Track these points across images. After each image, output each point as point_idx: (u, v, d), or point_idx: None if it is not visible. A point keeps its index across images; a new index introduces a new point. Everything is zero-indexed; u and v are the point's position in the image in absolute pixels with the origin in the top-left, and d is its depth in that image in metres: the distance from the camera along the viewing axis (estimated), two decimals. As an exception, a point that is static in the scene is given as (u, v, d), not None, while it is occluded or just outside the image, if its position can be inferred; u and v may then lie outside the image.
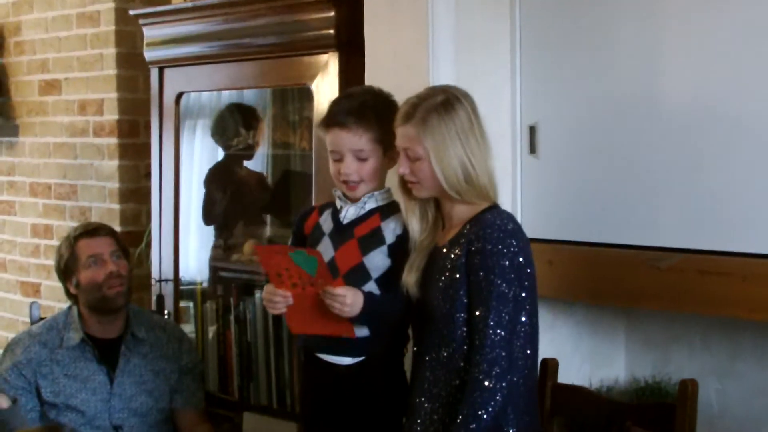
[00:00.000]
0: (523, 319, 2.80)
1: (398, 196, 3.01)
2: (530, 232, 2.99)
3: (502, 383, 2.74)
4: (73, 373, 3.74)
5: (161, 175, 4.53)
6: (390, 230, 3.04)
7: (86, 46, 5.17)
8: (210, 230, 4.72)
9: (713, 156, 3.04)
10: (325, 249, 3.05)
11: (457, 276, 2.83)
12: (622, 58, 3.24)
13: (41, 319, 4.01)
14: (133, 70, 5.02)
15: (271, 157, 4.56)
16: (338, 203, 3.11)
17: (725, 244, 3.00)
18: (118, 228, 4.84)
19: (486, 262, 2.78)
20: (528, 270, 2.83)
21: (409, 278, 2.92)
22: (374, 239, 3.03)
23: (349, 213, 3.07)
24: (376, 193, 3.06)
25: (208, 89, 4.55)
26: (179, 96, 4.49)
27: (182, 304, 4.55)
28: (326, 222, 3.12)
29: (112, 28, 5.04)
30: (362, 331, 2.97)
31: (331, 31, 3.78)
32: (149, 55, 4.54)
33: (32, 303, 4.24)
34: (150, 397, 3.80)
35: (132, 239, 4.85)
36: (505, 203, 3.13)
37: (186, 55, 4.39)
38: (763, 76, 2.94)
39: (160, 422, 3.84)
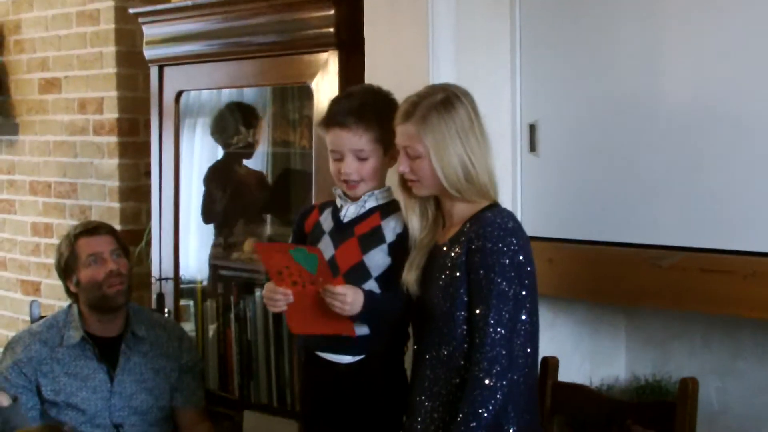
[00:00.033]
0: (524, 317, 2.80)
1: (398, 195, 3.01)
2: (530, 230, 2.99)
3: (503, 381, 2.75)
4: (73, 371, 3.74)
5: (161, 173, 4.53)
6: (390, 229, 3.04)
7: (86, 45, 5.17)
8: (210, 228, 4.72)
9: (714, 154, 3.04)
10: (326, 247, 3.05)
11: (458, 274, 2.83)
12: (622, 57, 3.24)
13: (41, 317, 4.01)
14: (133, 69, 5.02)
15: (271, 155, 4.56)
16: (338, 202, 3.11)
17: (726, 243, 3.00)
18: (118, 226, 4.84)
19: (486, 261, 2.78)
20: (528, 268, 2.83)
21: (409, 276, 2.92)
22: (374, 238, 3.03)
23: (349, 211, 3.07)
24: (376, 191, 3.06)
25: (207, 88, 4.55)
26: (179, 94, 4.48)
27: (182, 302, 4.55)
28: (326, 220, 3.12)
29: (112, 26, 5.03)
30: (362, 330, 2.97)
31: (331, 30, 3.77)
32: (149, 53, 4.54)
33: (32, 301, 4.24)
34: (150, 396, 3.80)
35: (132, 238, 4.85)
36: (506, 201, 3.12)
37: (186, 54, 4.39)
38: (763, 76, 2.94)
39: (160, 420, 3.85)
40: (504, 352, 2.76)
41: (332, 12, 3.76)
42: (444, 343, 2.86)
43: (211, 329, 4.47)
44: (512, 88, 3.49)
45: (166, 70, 4.50)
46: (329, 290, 2.86)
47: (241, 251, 4.52)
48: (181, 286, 4.54)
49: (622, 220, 3.24)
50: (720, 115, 3.02)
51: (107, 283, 3.72)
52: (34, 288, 5.53)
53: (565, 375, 3.34)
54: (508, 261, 2.78)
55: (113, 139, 5.05)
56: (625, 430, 3.13)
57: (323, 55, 3.82)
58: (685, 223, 3.10)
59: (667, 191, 3.14)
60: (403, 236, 3.01)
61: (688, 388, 2.96)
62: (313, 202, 3.74)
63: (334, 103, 3.09)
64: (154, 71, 4.54)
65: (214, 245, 4.67)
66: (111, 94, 5.05)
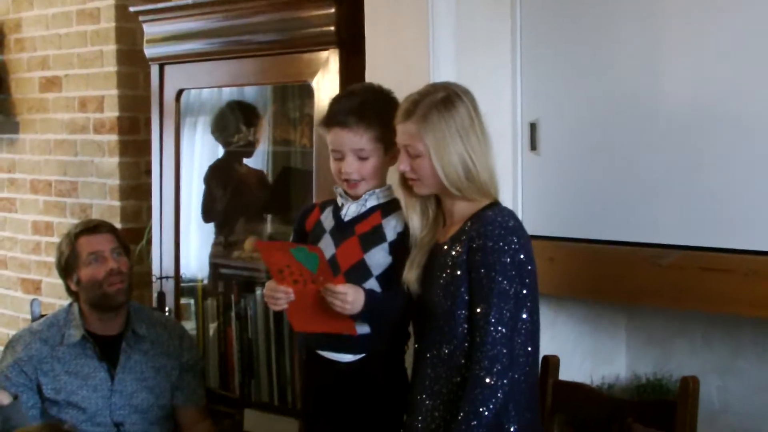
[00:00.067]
0: (524, 316, 2.80)
1: (399, 194, 3.01)
2: (531, 229, 3.00)
3: (503, 380, 2.75)
4: (74, 370, 3.74)
5: (162, 172, 4.53)
6: (391, 228, 3.04)
7: (86, 43, 5.16)
8: (210, 227, 4.72)
9: (714, 154, 3.04)
10: (327, 246, 3.05)
11: (458, 273, 2.83)
12: (623, 57, 3.24)
13: (42, 316, 4.02)
14: (134, 67, 5.01)
15: (272, 154, 4.56)
16: (339, 200, 3.11)
17: (726, 242, 3.00)
18: (118, 225, 4.84)
19: (487, 259, 2.78)
20: (529, 267, 2.83)
21: (410, 275, 2.92)
22: (375, 236, 3.03)
23: (350, 210, 3.07)
24: (377, 190, 3.06)
25: (208, 86, 4.55)
26: (179, 93, 4.48)
27: (183, 301, 4.55)
28: (327, 219, 3.12)
29: (113, 24, 5.03)
30: (363, 329, 2.97)
31: (332, 28, 3.77)
32: (149, 51, 4.54)
33: (33, 300, 4.25)
34: (151, 394, 3.80)
35: (132, 236, 4.85)
36: (506, 200, 3.12)
37: (186, 52, 4.39)
38: (763, 76, 2.94)
39: (161, 419, 3.85)
40: (505, 351, 2.76)
41: (333, 10, 3.76)
42: (445, 342, 2.86)
43: (212, 328, 4.47)
44: (513, 86, 3.49)
45: (167, 69, 4.49)
46: (330, 289, 2.86)
47: (241, 250, 4.52)
48: (182, 284, 4.54)
49: (622, 219, 3.24)
50: (720, 115, 3.02)
51: (108, 281, 3.72)
52: (35, 286, 5.53)
53: (565, 374, 3.34)
54: (509, 260, 2.78)
55: (114, 137, 5.05)
56: (626, 429, 3.12)
57: (324, 54, 3.82)
58: (686, 222, 3.10)
59: (667, 190, 3.14)
60: (404, 235, 3.01)
61: (689, 386, 2.96)
62: (314, 200, 3.74)
63: (335, 103, 3.09)
64: (154, 70, 4.53)
65: (215, 244, 4.67)
66: (111, 92, 5.05)
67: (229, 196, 4.67)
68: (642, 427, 3.10)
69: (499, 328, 2.76)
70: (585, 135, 3.34)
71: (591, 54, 3.32)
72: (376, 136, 3.00)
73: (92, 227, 3.83)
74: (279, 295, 2.94)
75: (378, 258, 3.02)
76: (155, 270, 4.54)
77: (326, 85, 3.79)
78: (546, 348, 3.10)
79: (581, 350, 3.68)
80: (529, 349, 2.83)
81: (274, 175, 4.60)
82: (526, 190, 3.48)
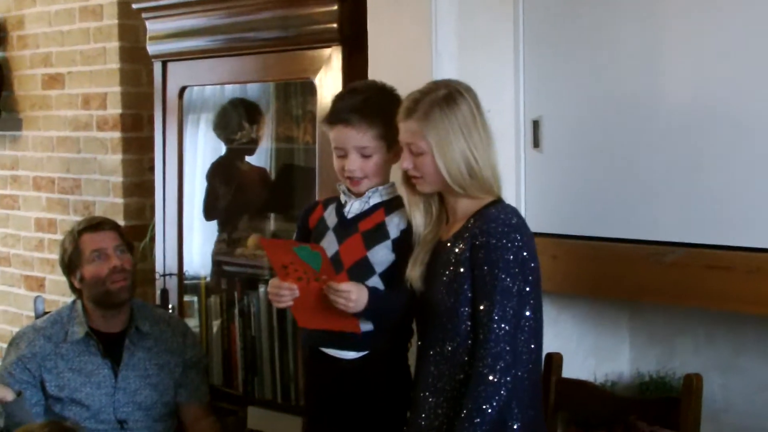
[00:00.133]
0: (528, 313, 2.80)
1: (402, 191, 3.01)
2: (534, 226, 2.99)
3: (507, 378, 2.75)
4: (77, 367, 3.74)
5: (165, 169, 4.53)
6: (394, 225, 3.04)
7: (89, 40, 5.16)
8: (213, 224, 4.72)
9: (715, 152, 3.04)
10: (330, 243, 3.05)
11: (461, 270, 2.83)
12: (623, 57, 3.24)
13: (45, 313, 4.02)
14: (136, 64, 5.01)
15: (275, 151, 4.56)
16: (342, 198, 3.11)
17: (729, 239, 3.00)
18: (121, 222, 4.84)
19: (490, 257, 2.78)
20: (532, 264, 2.83)
21: (413, 272, 2.92)
22: (378, 234, 3.03)
23: (353, 207, 3.07)
24: (380, 188, 3.06)
25: (211, 83, 4.54)
26: (182, 90, 4.48)
27: (186, 298, 4.55)
28: (330, 216, 3.12)
29: (115, 21, 5.03)
30: (366, 326, 2.97)
31: (335, 25, 3.77)
32: (152, 48, 4.54)
33: (36, 297, 4.25)
34: (154, 391, 3.80)
35: (136, 233, 4.85)
36: (509, 197, 3.12)
37: (189, 49, 4.39)
38: (763, 76, 2.94)
39: (164, 416, 3.85)
40: (508, 348, 2.76)
41: (336, 8, 3.76)
42: (448, 339, 2.86)
43: (215, 325, 4.47)
44: (515, 84, 3.49)
45: (170, 66, 4.50)
46: (333, 287, 2.85)
47: (244, 247, 4.52)
48: (185, 281, 4.54)
49: (625, 216, 3.24)
50: (720, 115, 3.02)
51: (111, 279, 3.72)
52: (38, 284, 5.54)
53: (568, 371, 3.34)
54: (512, 257, 2.78)
55: (117, 134, 5.05)
56: (629, 427, 3.13)
57: (326, 51, 3.82)
58: (688, 220, 3.10)
59: (669, 188, 3.14)
60: (407, 232, 3.01)
61: (693, 384, 2.96)
62: (317, 198, 3.75)
63: (338, 100, 3.09)
64: (157, 67, 4.54)
65: (218, 241, 4.67)
66: (114, 89, 5.05)
67: (232, 193, 4.67)
68: (645, 424, 3.10)
69: (503, 325, 2.76)
70: (588, 133, 3.34)
71: (592, 53, 3.32)
72: (379, 134, 3.00)
73: (95, 224, 3.83)
74: (283, 292, 2.93)
75: (381, 255, 3.02)
76: (158, 267, 4.55)
77: (329, 82, 3.79)
78: (549, 345, 3.10)
79: (584, 348, 3.68)
80: (532, 346, 2.83)
81: (277, 172, 4.60)
82: (529, 188, 3.48)
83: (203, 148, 4.70)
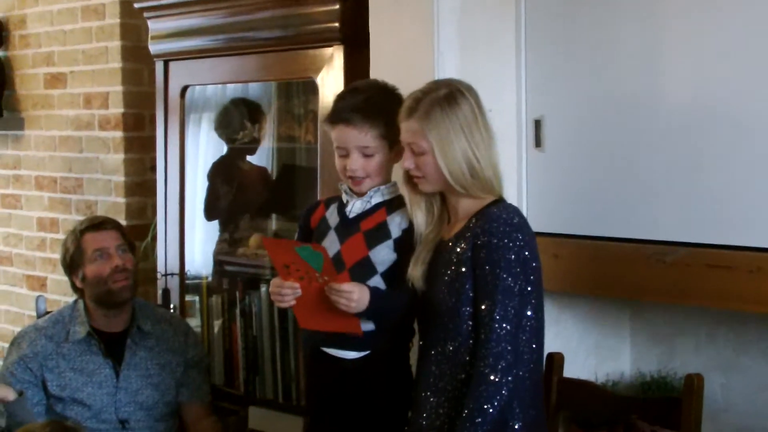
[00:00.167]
0: (529, 313, 2.80)
1: (403, 191, 3.01)
2: (535, 225, 2.99)
3: (508, 377, 2.74)
4: (79, 366, 3.75)
5: (167, 168, 4.53)
6: (396, 224, 3.04)
7: (91, 40, 5.17)
8: (215, 224, 4.73)
9: (716, 151, 3.04)
10: (331, 243, 3.05)
11: (463, 270, 2.83)
12: (624, 56, 3.24)
13: (47, 312, 4.02)
14: (138, 64, 5.02)
15: (276, 150, 4.56)
16: (344, 197, 3.10)
17: (730, 239, 3.00)
18: (123, 221, 4.85)
19: (492, 256, 2.78)
20: (534, 264, 2.83)
21: (415, 272, 2.92)
22: (380, 233, 3.03)
23: (355, 207, 3.07)
24: (382, 187, 3.06)
25: (213, 83, 4.55)
26: (184, 89, 4.49)
27: (188, 298, 4.55)
28: (332, 216, 3.12)
29: (117, 21, 5.03)
30: (368, 326, 2.97)
31: (336, 25, 3.78)
32: (154, 48, 4.54)
33: (38, 297, 4.26)
34: (156, 391, 3.80)
35: (137, 233, 4.85)
36: (511, 197, 3.12)
37: (191, 49, 4.39)
38: (763, 76, 2.94)
39: (166, 416, 3.85)
40: (509, 348, 2.75)
41: (337, 7, 3.76)
42: (449, 339, 2.86)
43: (217, 325, 4.47)
44: (517, 83, 3.49)
45: (172, 65, 4.50)
46: (334, 288, 2.85)
47: (246, 247, 4.52)
48: (187, 281, 4.54)
49: (626, 215, 3.24)
50: (720, 115, 3.02)
51: (113, 278, 3.72)
52: (40, 283, 5.54)
53: (570, 370, 3.34)
54: (513, 256, 2.78)
55: (119, 134, 5.05)
56: (630, 426, 3.13)
57: (328, 50, 3.82)
58: (690, 220, 3.10)
59: (670, 188, 3.14)
60: (409, 232, 3.01)
61: (694, 384, 2.96)
62: (319, 197, 3.75)
63: (339, 99, 3.09)
64: (159, 66, 4.54)
65: (220, 241, 4.67)
66: (116, 88, 5.05)
67: (233, 193, 4.67)
68: (646, 424, 3.11)
69: (504, 325, 2.76)
70: (589, 132, 3.34)
71: (593, 52, 3.32)
72: (381, 133, 3.00)
73: (97, 224, 3.83)
74: (286, 291, 2.92)
75: (383, 255, 3.01)
76: (160, 267, 4.55)
77: (330, 81, 3.79)
78: (550, 345, 3.10)
79: (585, 347, 3.68)
80: (534, 346, 2.82)
81: (279, 172, 4.60)
82: (531, 187, 3.48)
83: (205, 147, 4.70)
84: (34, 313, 4.33)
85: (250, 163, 4.68)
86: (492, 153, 2.89)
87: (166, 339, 3.86)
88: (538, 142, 3.46)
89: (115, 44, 5.04)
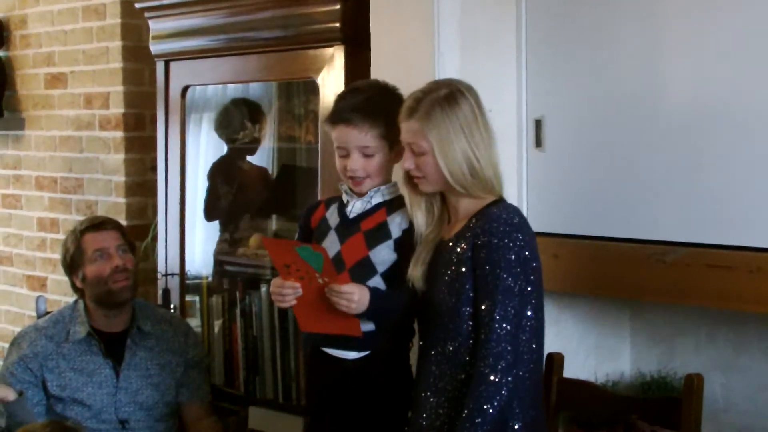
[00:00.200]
0: (529, 313, 2.80)
1: (404, 191, 3.01)
2: (536, 225, 2.99)
3: (508, 377, 2.74)
4: (79, 366, 3.75)
5: (167, 168, 4.53)
6: (396, 225, 3.04)
7: (92, 40, 5.17)
8: (216, 224, 4.73)
9: (716, 151, 3.04)
10: (332, 243, 3.05)
11: (463, 270, 2.83)
12: (624, 56, 3.24)
13: (47, 312, 4.02)
14: (139, 64, 5.02)
15: (277, 150, 4.56)
16: (344, 197, 3.10)
17: (730, 239, 3.00)
18: (123, 222, 4.85)
19: (492, 256, 2.78)
20: (534, 264, 2.83)
21: (415, 272, 2.92)
22: (380, 233, 3.03)
23: (355, 207, 3.07)
24: (382, 187, 3.06)
25: (213, 83, 4.55)
26: (185, 89, 4.49)
27: (188, 298, 4.55)
28: (332, 216, 3.12)
29: (118, 21, 5.03)
30: (368, 326, 2.97)
31: (337, 24, 3.78)
32: (155, 48, 4.54)
33: (38, 297, 4.26)
34: (156, 391, 3.80)
35: (138, 233, 4.85)
36: (511, 197, 3.13)
37: (192, 49, 4.39)
38: (763, 76, 2.94)
39: (166, 416, 3.85)
40: (509, 348, 2.75)
41: (338, 7, 3.76)
42: (449, 339, 2.86)
43: (217, 325, 4.47)
44: (518, 83, 3.49)
45: (172, 65, 4.50)
46: (334, 289, 2.85)
47: (246, 247, 4.52)
48: (187, 281, 4.54)
49: (626, 216, 3.24)
50: (720, 115, 3.02)
51: (113, 278, 3.72)
52: (40, 283, 5.54)
53: (570, 370, 3.34)
54: (513, 256, 2.78)
55: (119, 134, 5.05)
56: (630, 426, 3.13)
57: (329, 50, 3.82)
58: (689, 220, 3.10)
59: (670, 188, 3.14)
60: (409, 232, 3.01)
61: (693, 384, 2.96)
62: (319, 197, 3.75)
63: (340, 99, 3.09)
64: (160, 66, 4.54)
65: (220, 241, 4.67)
66: (117, 89, 5.05)
67: (233, 193, 4.67)
68: (646, 424, 3.11)
69: (504, 325, 2.76)
70: (589, 132, 3.34)
71: (593, 52, 3.32)
72: (381, 133, 3.00)
73: (98, 224, 3.83)
74: (286, 291, 2.92)
75: (383, 255, 3.01)
76: (160, 267, 4.55)
77: (331, 81, 3.79)
78: (550, 345, 3.10)
79: (585, 347, 3.68)
80: (534, 346, 2.82)
81: (279, 172, 4.60)
82: (531, 187, 3.48)
83: (205, 147, 4.70)
84: (34, 314, 4.33)
85: (250, 163, 4.68)
86: (492, 153, 2.89)
87: (166, 339, 3.86)
88: (538, 142, 3.46)
89: (116, 44, 5.04)
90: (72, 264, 3.78)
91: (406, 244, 3.00)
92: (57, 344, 3.76)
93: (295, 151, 4.48)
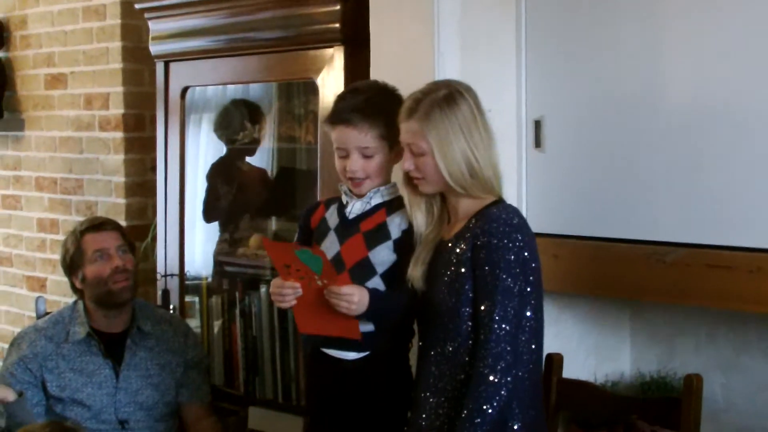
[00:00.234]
0: (528, 313, 2.80)
1: (403, 191, 3.00)
2: (535, 226, 2.99)
3: (507, 378, 2.74)
4: (78, 367, 3.75)
5: (167, 169, 4.53)
6: (395, 225, 3.03)
7: (92, 40, 5.17)
8: (215, 224, 4.72)
9: (716, 151, 3.04)
10: (331, 243, 3.05)
11: (463, 270, 2.83)
12: (624, 56, 3.24)
13: (47, 313, 4.02)
14: (139, 64, 5.02)
15: (277, 151, 4.56)
16: (344, 198, 3.10)
17: (730, 239, 3.00)
18: (123, 222, 4.85)
19: (491, 257, 2.78)
20: (533, 264, 2.83)
21: (415, 272, 2.92)
22: (380, 234, 3.03)
23: (354, 208, 3.07)
24: (381, 188, 3.06)
25: (213, 83, 4.55)
26: (185, 90, 4.49)
27: (188, 298, 4.55)
28: (332, 216, 3.12)
29: (118, 21, 5.03)
30: (367, 327, 2.97)
31: (337, 25, 3.78)
32: (155, 48, 4.54)
33: (38, 297, 4.26)
34: (156, 391, 3.80)
35: (138, 233, 4.85)
36: (511, 197, 3.13)
37: (191, 49, 4.39)
38: (763, 76, 2.94)
39: (165, 416, 3.85)
40: (509, 349, 2.75)
41: (338, 7, 3.76)
42: (449, 340, 2.86)
43: (216, 325, 4.47)
44: (517, 84, 3.49)
45: (172, 66, 4.50)
46: (334, 291, 2.85)
47: (246, 247, 4.52)
48: (187, 282, 4.54)
49: (626, 216, 3.24)
50: (720, 115, 3.02)
51: (113, 279, 3.72)
52: (40, 284, 5.54)
53: (569, 371, 3.34)
54: (513, 257, 2.78)
55: (119, 134, 5.05)
56: (630, 427, 3.13)
57: (329, 51, 3.82)
58: (689, 220, 3.10)
59: (670, 188, 3.14)
60: (409, 233, 3.01)
61: (693, 384, 2.96)
62: (319, 198, 3.75)
63: (339, 100, 3.09)
64: (159, 67, 4.54)
65: (220, 241, 4.67)
66: (117, 89, 5.05)
67: (233, 193, 4.67)
68: (646, 424, 3.11)
69: (503, 325, 2.76)
70: (589, 133, 3.34)
71: (593, 53, 3.32)
72: (381, 134, 3.00)
73: (98, 225, 3.83)
74: (287, 291, 2.92)
75: (382, 255, 3.01)
76: (160, 267, 4.55)
77: (331, 82, 3.80)
78: (550, 345, 3.10)
79: (585, 347, 3.68)
80: (533, 346, 2.82)
81: (279, 173, 4.60)
82: (531, 188, 3.48)
83: (205, 148, 4.70)
84: (33, 314, 4.33)
85: (249, 164, 4.68)
86: (491, 153, 2.89)
87: (166, 339, 3.86)
88: (538, 143, 3.46)
89: (116, 45, 5.04)
90: (72, 265, 3.78)
91: (405, 245, 3.00)
92: (57, 345, 3.76)
93: (294, 152, 4.48)
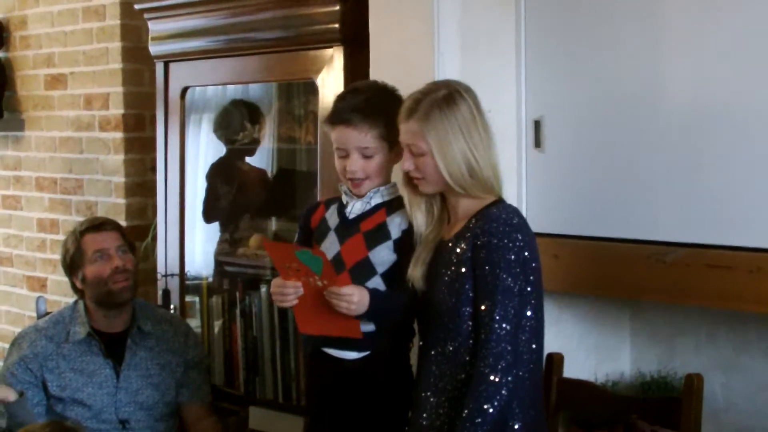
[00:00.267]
0: (529, 313, 2.80)
1: (403, 192, 3.00)
2: (535, 226, 2.99)
3: (508, 377, 2.74)
4: (79, 367, 3.75)
5: (167, 169, 4.53)
6: (395, 225, 3.04)
7: (92, 41, 5.17)
8: (215, 225, 4.72)
9: (716, 151, 3.04)
10: (331, 243, 3.05)
11: (463, 270, 2.83)
12: (624, 56, 3.24)
13: (47, 313, 4.02)
14: (139, 65, 5.02)
15: (276, 151, 4.56)
16: (344, 198, 3.11)
17: (730, 239, 3.00)
18: (123, 222, 4.85)
19: (492, 256, 2.78)
20: (533, 264, 2.83)
21: (415, 272, 2.92)
22: (380, 234, 3.03)
23: (355, 208, 3.07)
24: (381, 188, 3.06)
25: (213, 83, 4.55)
26: (184, 90, 4.49)
27: (188, 298, 4.55)
28: (332, 216, 3.12)
29: (118, 22, 5.03)
30: (368, 327, 2.97)
31: (337, 26, 3.78)
32: (154, 49, 4.54)
33: (38, 297, 4.26)
34: (156, 391, 3.81)
35: (138, 233, 4.86)
36: (510, 197, 3.12)
37: (191, 50, 4.39)
38: (763, 76, 2.94)
39: (166, 416, 3.85)
40: (509, 348, 2.76)
41: (338, 8, 3.76)
42: (449, 339, 2.86)
43: (217, 325, 4.47)
44: (517, 84, 3.49)
45: (172, 66, 4.50)
46: (334, 291, 2.85)
47: (246, 247, 4.52)
48: (187, 282, 4.54)
49: (626, 216, 3.24)
50: (720, 115, 3.02)
51: (113, 279, 3.72)
52: (40, 284, 5.54)
53: (570, 370, 3.34)
54: (513, 257, 2.78)
55: (119, 134, 5.05)
56: (630, 426, 3.13)
57: (328, 51, 3.82)
58: (689, 220, 3.10)
59: (670, 188, 3.14)
60: (409, 233, 3.01)
61: (693, 384, 2.96)
62: (318, 198, 3.75)
63: (339, 100, 3.09)
64: (159, 67, 4.54)
65: (220, 241, 4.67)
66: (117, 89, 5.05)
67: (233, 193, 4.67)
68: (646, 424, 3.11)
69: (504, 325, 2.76)
70: (589, 133, 3.34)
71: (593, 53, 3.32)
72: (381, 134, 3.00)
73: (98, 225, 3.83)
74: (288, 290, 2.92)
75: (383, 255, 3.02)
76: (160, 267, 4.55)
77: (331, 82, 3.80)
78: (550, 345, 3.10)
79: (585, 347, 3.68)
80: (534, 346, 2.83)
81: (278, 173, 4.60)
82: (530, 188, 3.48)
83: (205, 148, 4.70)
84: (34, 314, 4.33)
85: (249, 164, 4.68)
86: (491, 153, 2.89)
87: (166, 339, 3.86)
88: (538, 143, 3.46)
89: (116, 45, 5.04)
90: (72, 265, 3.78)
91: (405, 245, 3.00)
92: (57, 345, 3.76)
93: (294, 152, 4.48)
